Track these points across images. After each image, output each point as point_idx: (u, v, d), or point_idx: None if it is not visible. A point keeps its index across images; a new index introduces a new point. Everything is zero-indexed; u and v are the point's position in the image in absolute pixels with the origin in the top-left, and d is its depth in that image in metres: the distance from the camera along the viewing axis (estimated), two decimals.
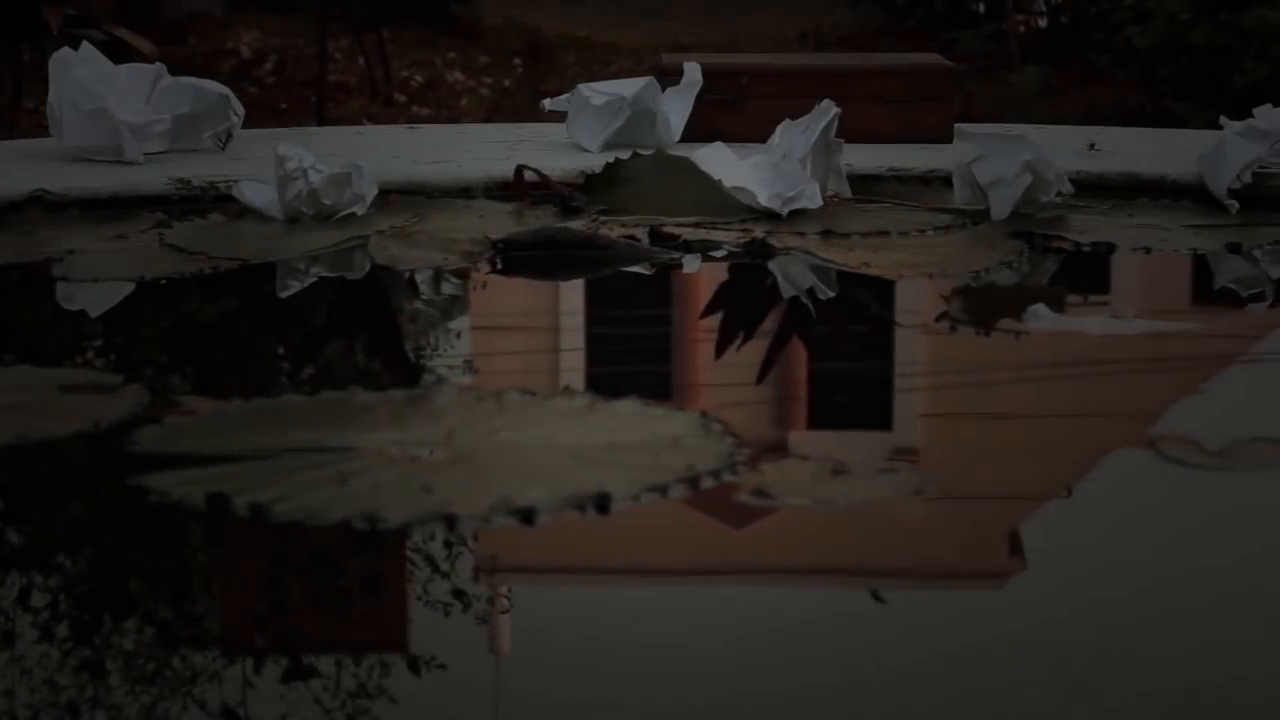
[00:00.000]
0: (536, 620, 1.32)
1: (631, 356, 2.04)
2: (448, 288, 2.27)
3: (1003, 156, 2.42)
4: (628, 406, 1.75)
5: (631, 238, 2.32)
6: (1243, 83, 4.61)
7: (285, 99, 7.35)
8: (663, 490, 1.52)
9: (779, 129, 2.49)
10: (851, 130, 2.77)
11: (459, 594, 1.36)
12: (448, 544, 1.44)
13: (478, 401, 1.76)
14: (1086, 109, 6.77)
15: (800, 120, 2.48)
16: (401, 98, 7.41)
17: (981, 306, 2.09)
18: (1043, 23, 8.04)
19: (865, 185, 2.58)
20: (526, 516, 1.48)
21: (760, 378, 1.91)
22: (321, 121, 6.44)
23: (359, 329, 2.12)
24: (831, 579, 1.42)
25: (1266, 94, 4.66)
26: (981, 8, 8.13)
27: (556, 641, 1.27)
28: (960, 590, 1.41)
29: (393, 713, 1.16)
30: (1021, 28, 7.83)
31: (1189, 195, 2.57)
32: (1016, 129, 2.72)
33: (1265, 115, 2.54)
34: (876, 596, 1.36)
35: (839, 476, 1.59)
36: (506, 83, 7.71)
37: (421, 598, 1.35)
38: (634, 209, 2.49)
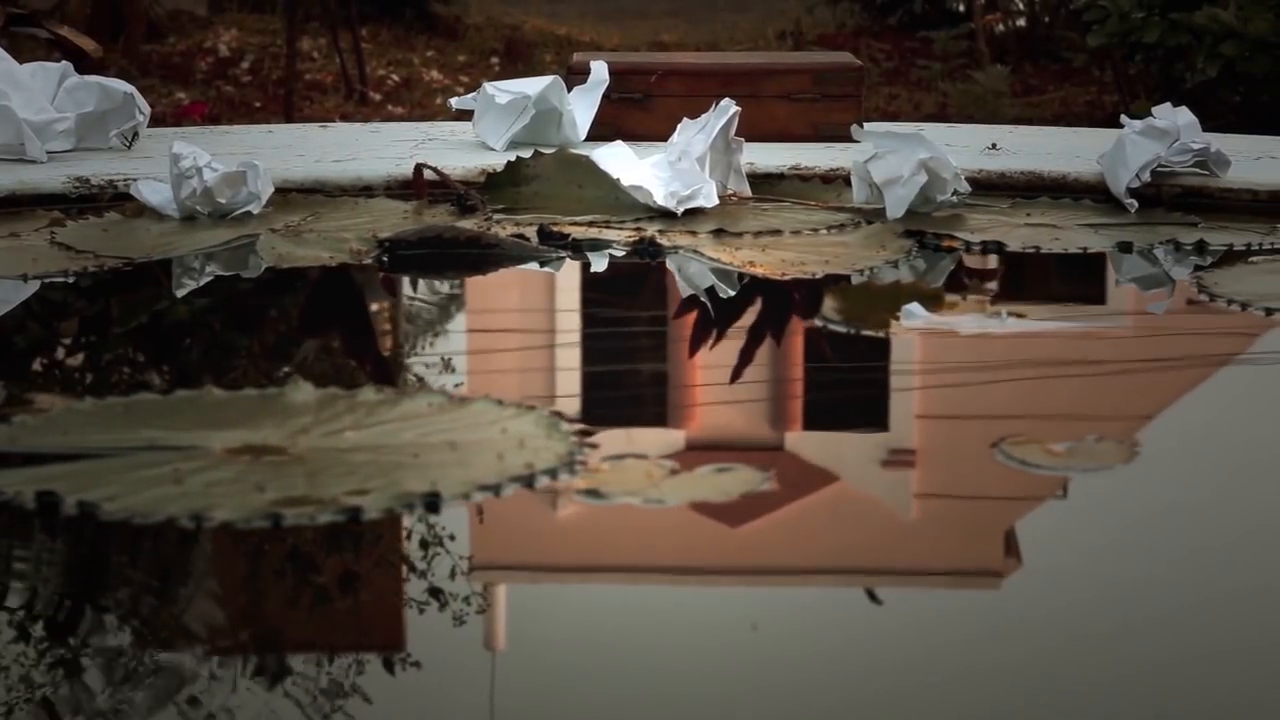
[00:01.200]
0: (531, 617, 1.32)
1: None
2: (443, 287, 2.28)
3: (898, 155, 2.41)
4: (480, 405, 1.75)
5: (520, 236, 2.32)
6: (1194, 81, 4.60)
7: (260, 98, 7.35)
8: (495, 490, 1.52)
9: (678, 128, 2.49)
10: (760, 129, 2.78)
11: (436, 591, 1.36)
12: (424, 543, 1.45)
13: (331, 400, 1.76)
14: (1061, 108, 6.76)
15: (699, 119, 2.48)
16: (377, 96, 7.41)
17: (856, 305, 2.09)
18: (1021, 21, 8.02)
19: (767, 184, 2.58)
20: (354, 515, 1.49)
21: (734, 377, 1.91)
22: (290, 119, 6.44)
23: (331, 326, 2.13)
24: (827, 578, 1.43)
25: (1218, 92, 4.65)
26: (961, 7, 8.12)
27: (551, 639, 1.27)
28: (955, 589, 1.41)
29: (388, 710, 1.17)
30: (1000, 26, 7.82)
31: (1091, 194, 2.56)
32: (926, 129, 2.72)
33: (1164, 114, 2.53)
34: (872, 596, 1.36)
35: (673, 476, 1.59)
36: (484, 81, 7.70)
37: (413, 595, 1.35)
38: (534, 207, 2.50)
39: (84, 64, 4.07)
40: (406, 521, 1.49)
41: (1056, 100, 6.95)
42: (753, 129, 2.79)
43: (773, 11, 9.53)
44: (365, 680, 1.20)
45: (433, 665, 1.23)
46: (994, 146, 2.75)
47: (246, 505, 1.49)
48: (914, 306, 2.01)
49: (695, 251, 2.27)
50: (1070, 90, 7.12)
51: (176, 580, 1.45)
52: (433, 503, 1.49)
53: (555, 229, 2.33)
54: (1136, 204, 2.50)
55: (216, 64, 7.91)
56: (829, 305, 2.07)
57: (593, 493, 1.54)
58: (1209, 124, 4.91)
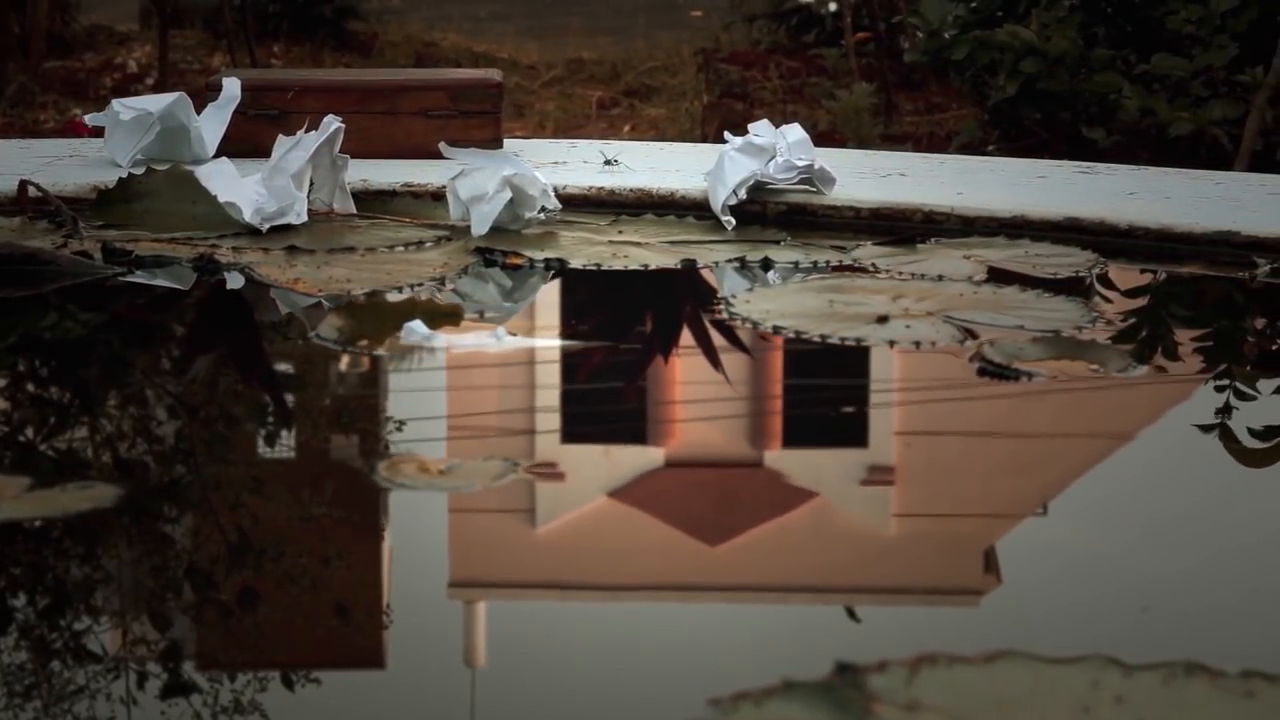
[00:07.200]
0: (512, 634, 1.32)
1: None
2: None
3: (484, 173, 2.41)
4: None
5: (83, 253, 2.32)
6: (996, 99, 4.58)
7: None
8: None
9: (275, 144, 2.49)
10: (398, 145, 2.79)
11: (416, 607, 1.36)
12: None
13: None
14: (956, 126, 6.75)
15: (295, 135, 2.48)
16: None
17: (363, 323, 2.09)
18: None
19: (379, 201, 2.58)
20: None
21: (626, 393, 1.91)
22: None
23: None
24: (806, 595, 1.43)
25: (1019, 110, 4.63)
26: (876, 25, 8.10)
27: (531, 655, 1.27)
28: (934, 606, 1.42)
29: None
30: (906, 41, 7.80)
31: (696, 211, 2.55)
32: (544, 145, 2.71)
33: (763, 131, 2.52)
34: (851, 613, 1.36)
35: (33, 491, 1.59)
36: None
37: (392, 611, 1.36)
38: (144, 224, 2.50)
39: None
40: (390, 536, 1.51)
41: (952, 119, 6.94)
42: (391, 145, 2.80)
43: (694, 29, 9.54)
44: (343, 695, 1.21)
45: (413, 681, 1.23)
46: (609, 161, 2.74)
47: None
48: (415, 324, 2.01)
49: (248, 268, 2.27)
50: (971, 109, 7.11)
51: None
52: None
53: (119, 246, 2.33)
54: (734, 221, 2.48)
55: (123, 80, 7.95)
56: (330, 323, 2.06)
57: None
58: (1019, 143, 4.90)
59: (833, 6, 8.42)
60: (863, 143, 5.88)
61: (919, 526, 1.60)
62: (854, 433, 1.86)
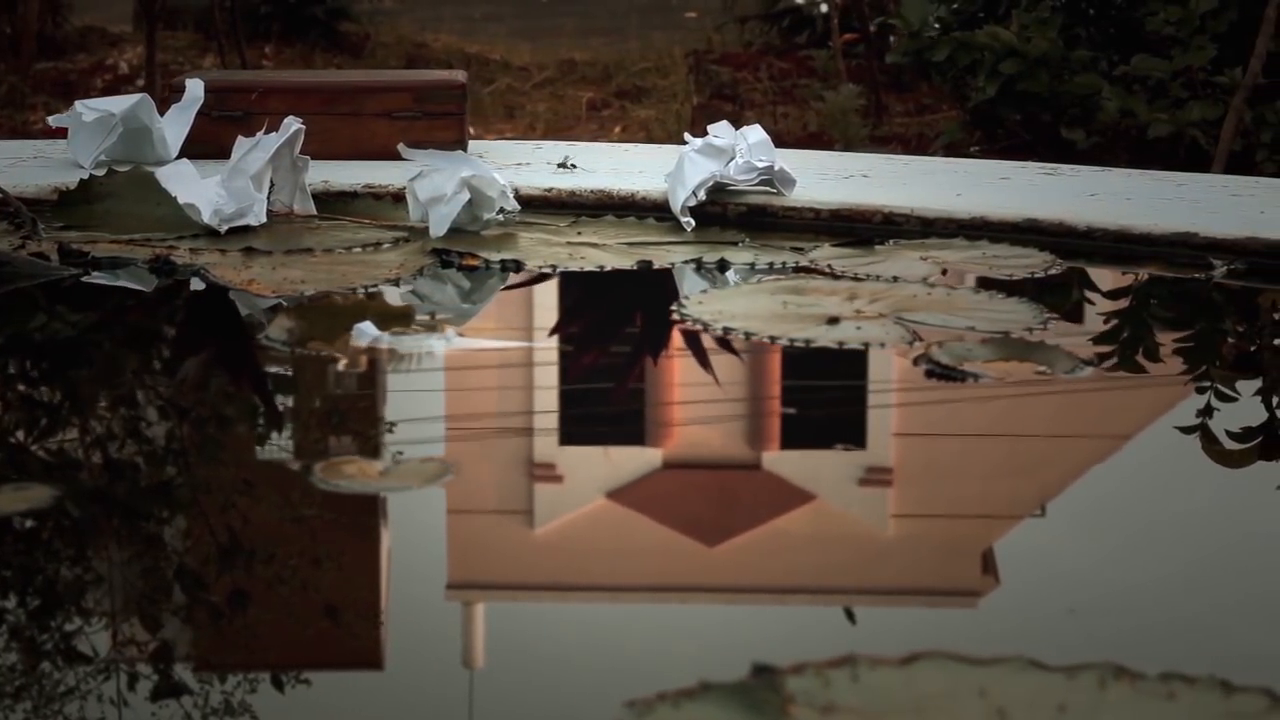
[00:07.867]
0: (510, 635, 1.32)
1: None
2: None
3: (442, 174, 2.41)
4: None
5: (41, 254, 2.32)
6: (976, 100, 4.57)
7: None
8: None
9: (235, 145, 2.49)
10: (363, 147, 2.79)
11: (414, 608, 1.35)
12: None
13: None
14: (944, 129, 6.75)
15: (254, 136, 2.48)
16: None
17: (315, 325, 2.08)
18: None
19: (341, 203, 2.58)
20: None
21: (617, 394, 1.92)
22: None
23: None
24: (804, 596, 1.43)
25: (999, 111, 4.63)
26: (868, 26, 8.10)
27: (530, 656, 1.27)
28: (933, 607, 1.42)
29: None
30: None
31: (657, 212, 2.55)
32: (508, 145, 2.71)
33: (722, 132, 2.52)
34: (849, 614, 1.36)
35: None
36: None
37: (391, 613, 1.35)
38: (105, 225, 2.50)
39: None
40: (388, 538, 1.51)
41: (941, 120, 6.93)
42: (355, 147, 2.80)
43: (687, 30, 9.54)
44: (342, 696, 1.21)
45: (411, 683, 1.23)
46: (568, 165, 2.74)
47: None
48: (365, 325, 2.01)
49: (203, 269, 2.27)
50: (961, 111, 7.11)
51: None
52: None
53: (76, 247, 2.33)
54: (693, 222, 2.48)
55: (114, 81, 7.95)
56: (280, 324, 2.06)
57: None
58: (1001, 144, 4.90)
59: (824, 8, 8.43)
60: (850, 144, 5.88)
61: (917, 527, 1.60)
62: (852, 433, 1.85)
